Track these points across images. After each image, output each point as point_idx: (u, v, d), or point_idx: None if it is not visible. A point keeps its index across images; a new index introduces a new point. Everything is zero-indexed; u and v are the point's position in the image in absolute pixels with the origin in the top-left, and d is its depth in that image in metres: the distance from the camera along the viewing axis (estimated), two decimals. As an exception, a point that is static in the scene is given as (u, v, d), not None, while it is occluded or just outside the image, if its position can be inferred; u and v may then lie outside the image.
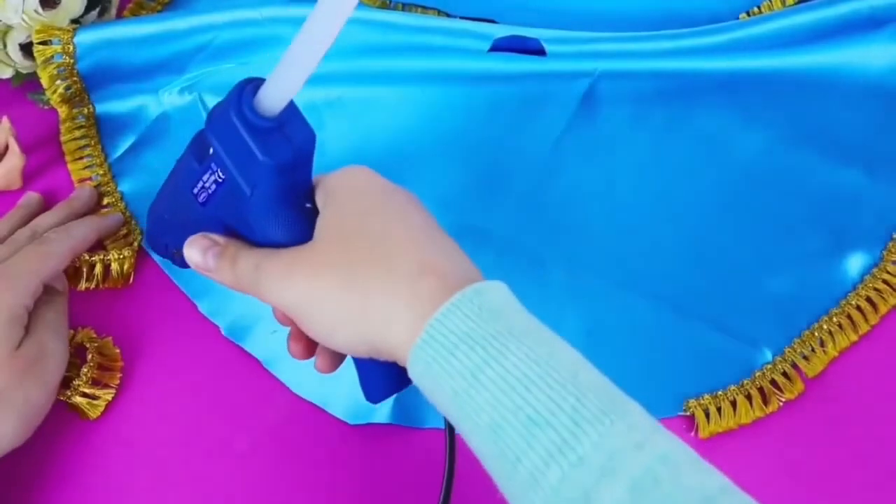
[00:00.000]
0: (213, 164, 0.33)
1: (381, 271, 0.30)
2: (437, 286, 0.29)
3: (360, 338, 0.30)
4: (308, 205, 0.34)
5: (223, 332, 0.46)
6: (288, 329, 0.37)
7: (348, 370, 0.44)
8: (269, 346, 0.45)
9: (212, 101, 0.54)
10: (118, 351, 0.45)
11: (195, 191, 0.35)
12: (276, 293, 0.32)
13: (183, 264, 0.36)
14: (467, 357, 0.27)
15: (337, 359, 0.36)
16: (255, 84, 0.31)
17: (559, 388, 0.26)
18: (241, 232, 0.34)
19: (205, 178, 0.34)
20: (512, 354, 0.27)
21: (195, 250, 0.34)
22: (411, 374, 0.29)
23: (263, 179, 0.32)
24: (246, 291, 0.34)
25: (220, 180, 0.33)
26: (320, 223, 0.33)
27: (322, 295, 0.31)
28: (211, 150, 0.33)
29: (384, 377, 0.34)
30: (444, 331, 0.28)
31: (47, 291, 0.43)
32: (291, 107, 0.32)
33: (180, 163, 0.36)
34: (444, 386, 0.28)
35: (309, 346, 0.36)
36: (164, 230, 0.40)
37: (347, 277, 0.30)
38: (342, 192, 0.33)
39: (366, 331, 0.30)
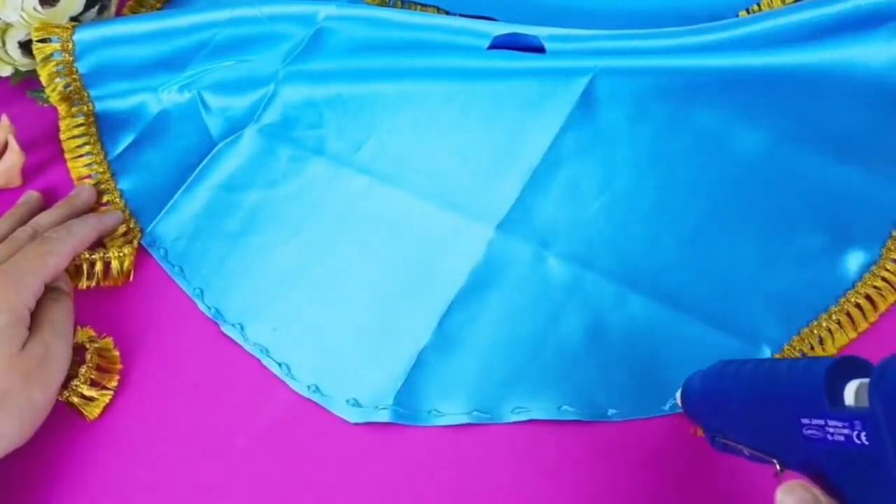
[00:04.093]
0: (856, 423, 0.27)
1: None
2: None
3: None
4: None
5: (223, 330, 0.46)
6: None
7: (347, 367, 0.44)
8: (269, 343, 0.45)
9: (211, 98, 0.54)
10: (118, 354, 0.45)
11: (804, 421, 0.29)
12: None
13: (722, 449, 0.33)
14: None
15: None
16: None
17: None
18: (841, 487, 0.29)
19: (833, 423, 0.28)
20: None
21: (792, 500, 0.29)
22: None
23: None
24: None
25: (857, 442, 0.27)
26: None
27: None
28: (858, 406, 0.27)
29: None
30: None
31: (53, 291, 0.43)
32: None
33: (796, 379, 0.30)
34: None
35: None
36: (720, 412, 0.35)
37: None
38: None
39: None
